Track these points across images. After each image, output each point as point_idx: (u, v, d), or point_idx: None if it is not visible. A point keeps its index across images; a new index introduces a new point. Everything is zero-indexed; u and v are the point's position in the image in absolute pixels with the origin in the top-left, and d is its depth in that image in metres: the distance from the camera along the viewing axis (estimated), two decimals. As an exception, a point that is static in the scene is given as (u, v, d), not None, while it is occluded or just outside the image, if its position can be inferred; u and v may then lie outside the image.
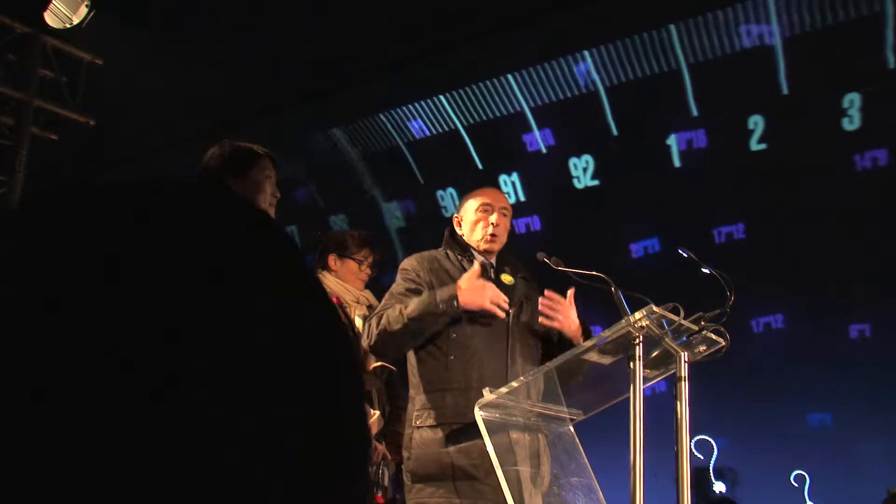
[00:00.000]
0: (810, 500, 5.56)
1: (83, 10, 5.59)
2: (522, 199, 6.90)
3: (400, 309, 2.53)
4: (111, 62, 5.95)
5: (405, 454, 2.59)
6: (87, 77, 5.90)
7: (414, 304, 2.52)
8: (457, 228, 2.86)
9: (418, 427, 2.56)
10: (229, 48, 6.48)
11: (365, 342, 2.64)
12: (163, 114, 6.95)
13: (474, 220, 2.78)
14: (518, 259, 2.92)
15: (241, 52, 6.54)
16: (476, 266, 2.56)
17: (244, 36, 6.37)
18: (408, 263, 2.76)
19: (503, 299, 2.53)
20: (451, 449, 2.49)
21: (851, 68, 5.60)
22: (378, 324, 2.55)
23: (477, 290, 2.49)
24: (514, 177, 6.97)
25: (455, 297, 2.47)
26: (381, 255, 3.38)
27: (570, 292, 2.66)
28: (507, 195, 3.03)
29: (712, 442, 5.76)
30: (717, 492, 5.71)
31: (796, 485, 5.64)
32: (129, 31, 6.14)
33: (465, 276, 2.55)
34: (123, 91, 6.43)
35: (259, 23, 6.22)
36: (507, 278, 2.77)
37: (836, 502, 5.44)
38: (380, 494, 3.10)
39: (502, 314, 2.54)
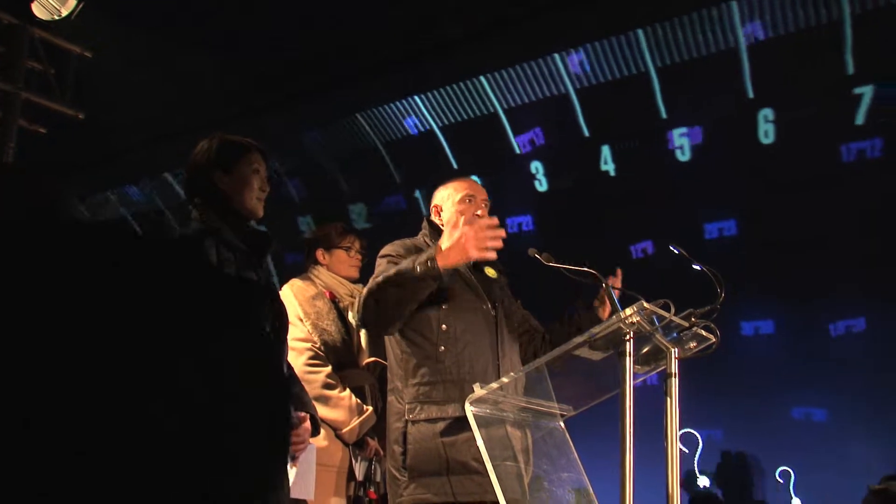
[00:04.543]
0: (796, 495, 5.61)
1: (72, 2, 5.54)
2: (512, 198, 6.90)
3: (382, 274, 2.45)
4: (102, 55, 5.91)
5: (397, 449, 2.53)
6: (76, 70, 5.85)
7: (393, 269, 2.44)
8: (435, 218, 2.81)
9: (413, 421, 2.50)
10: (222, 42, 6.44)
11: (356, 318, 2.58)
12: (154, 108, 6.91)
13: (457, 212, 2.72)
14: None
15: (234, 46, 6.50)
16: (456, 217, 2.44)
17: (237, 30, 6.34)
18: (391, 249, 2.69)
19: (491, 235, 2.35)
20: (451, 443, 2.45)
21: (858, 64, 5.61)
22: (364, 296, 2.49)
23: (457, 245, 2.33)
24: (502, 177, 6.97)
25: (432, 257, 2.35)
26: (366, 241, 3.41)
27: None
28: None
29: (697, 435, 5.79)
30: (702, 486, 5.74)
31: (781, 480, 5.68)
32: (121, 23, 6.10)
33: (446, 230, 2.41)
34: (114, 84, 6.39)
35: (252, 17, 6.20)
36: (490, 271, 2.76)
37: (821, 498, 5.49)
38: (372, 490, 3.11)
39: (493, 255, 2.40)
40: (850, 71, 5.61)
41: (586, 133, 6.67)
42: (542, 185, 6.82)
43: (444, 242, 2.37)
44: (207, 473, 0.36)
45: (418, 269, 2.35)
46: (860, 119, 5.75)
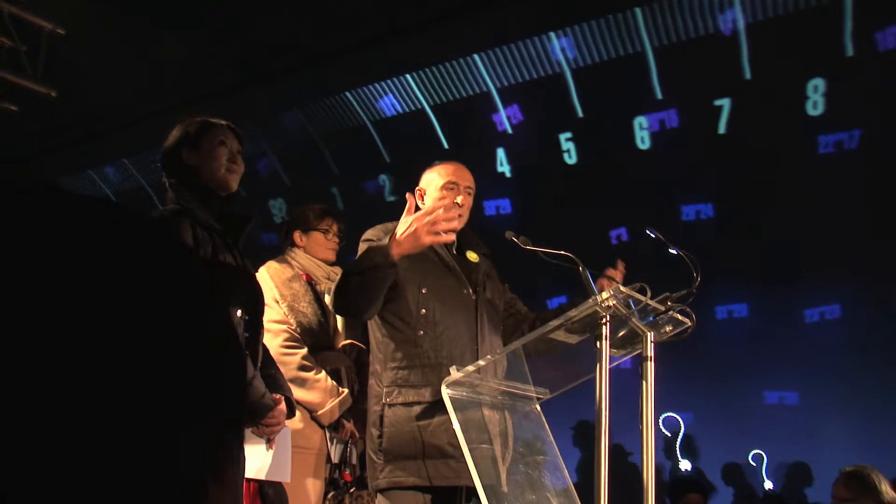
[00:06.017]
0: (768, 478, 5.68)
1: (43, -23, 5.42)
2: (492, 180, 6.88)
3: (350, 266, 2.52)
4: (75, 32, 5.79)
5: (374, 432, 2.54)
6: (48, 47, 5.74)
7: (356, 260, 2.50)
8: (419, 202, 2.80)
9: (390, 405, 2.51)
10: (199, 20, 6.33)
11: (331, 303, 2.62)
12: (129, 88, 6.79)
13: (438, 198, 2.72)
14: (477, 236, 2.89)
15: (212, 24, 6.39)
16: (409, 202, 2.45)
17: (215, 8, 6.23)
18: (372, 234, 2.70)
19: (443, 218, 2.38)
20: (427, 427, 2.46)
21: (815, 54, 5.68)
22: (336, 283, 2.53)
23: (408, 234, 2.37)
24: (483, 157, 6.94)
25: (387, 247, 2.39)
26: (344, 224, 3.40)
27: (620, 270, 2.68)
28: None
29: (679, 419, 5.84)
30: (683, 469, 5.78)
31: (754, 464, 5.75)
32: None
33: (401, 220, 2.44)
34: (88, 62, 6.26)
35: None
36: (472, 256, 2.77)
37: (794, 481, 5.57)
38: (347, 472, 3.11)
39: (448, 237, 2.44)
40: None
41: (564, 115, 6.67)
42: (515, 169, 6.83)
43: (398, 231, 2.40)
44: (159, 452, 0.35)
45: (376, 259, 2.41)
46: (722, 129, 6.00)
